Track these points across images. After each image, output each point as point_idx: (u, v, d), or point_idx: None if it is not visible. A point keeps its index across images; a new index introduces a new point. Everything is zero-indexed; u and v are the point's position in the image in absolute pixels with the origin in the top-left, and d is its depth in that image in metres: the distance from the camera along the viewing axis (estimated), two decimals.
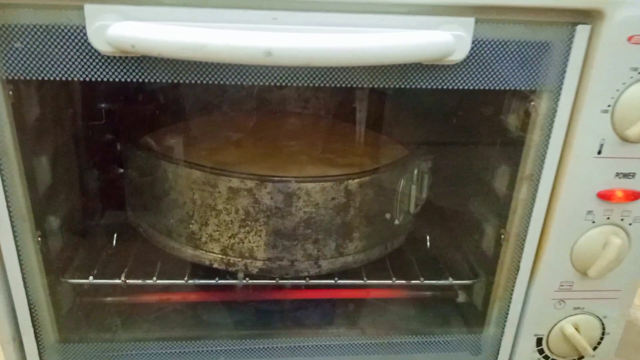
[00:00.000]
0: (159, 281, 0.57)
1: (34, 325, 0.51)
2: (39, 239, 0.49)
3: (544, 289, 0.53)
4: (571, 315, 0.54)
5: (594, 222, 0.50)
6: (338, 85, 0.43)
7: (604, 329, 0.56)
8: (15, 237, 0.47)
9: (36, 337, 0.51)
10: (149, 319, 0.59)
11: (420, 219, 0.64)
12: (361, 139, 0.73)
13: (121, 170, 0.60)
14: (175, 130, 0.69)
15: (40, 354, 0.52)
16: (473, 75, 0.44)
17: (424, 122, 0.65)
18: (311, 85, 0.43)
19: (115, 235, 0.62)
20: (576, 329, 0.55)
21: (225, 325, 0.59)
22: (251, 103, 0.76)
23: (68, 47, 0.40)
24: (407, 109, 0.68)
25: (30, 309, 0.50)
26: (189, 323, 0.59)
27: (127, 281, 0.56)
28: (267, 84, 0.42)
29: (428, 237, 0.66)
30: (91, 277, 0.56)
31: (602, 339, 0.56)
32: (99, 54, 0.40)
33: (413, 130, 0.67)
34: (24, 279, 0.48)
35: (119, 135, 0.60)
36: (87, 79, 0.41)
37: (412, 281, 0.60)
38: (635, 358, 0.68)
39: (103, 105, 0.62)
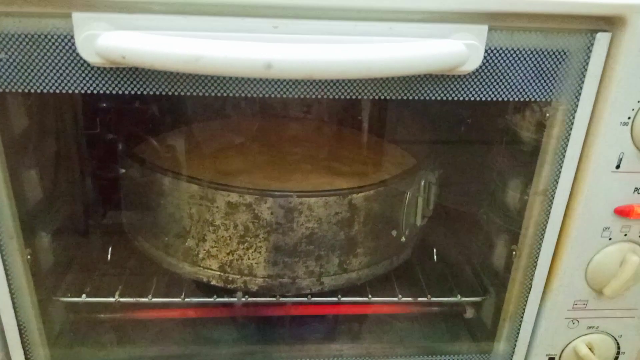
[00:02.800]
0: (154, 299, 0.54)
1: (23, 346, 0.49)
2: (29, 256, 0.47)
3: (557, 308, 0.51)
4: (585, 335, 0.52)
5: (610, 239, 0.48)
6: (342, 97, 0.41)
7: (619, 348, 0.54)
8: (2, 255, 0.45)
9: (26, 357, 0.49)
10: (146, 336, 0.57)
11: (427, 232, 0.61)
12: (366, 146, 0.71)
13: (116, 183, 0.58)
14: (174, 138, 0.66)
15: None
16: (486, 86, 0.42)
17: (432, 130, 0.63)
18: (313, 97, 0.41)
19: (110, 250, 0.60)
20: (590, 349, 0.53)
21: (224, 343, 0.57)
22: (252, 108, 0.74)
23: (55, 57, 0.38)
24: (413, 114, 0.66)
25: (19, 329, 0.48)
26: (187, 341, 0.57)
27: (121, 300, 0.54)
28: (266, 96, 0.40)
29: (435, 251, 0.64)
30: (84, 295, 0.54)
31: (616, 358, 0.54)
32: (89, 65, 0.38)
33: (420, 136, 0.65)
34: (12, 298, 0.46)
35: (114, 145, 0.58)
36: (77, 91, 0.39)
37: (419, 298, 0.58)
38: None
39: (97, 114, 0.60)
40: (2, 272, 0.45)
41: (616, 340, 0.53)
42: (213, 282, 0.54)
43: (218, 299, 0.55)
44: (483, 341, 0.57)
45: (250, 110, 0.74)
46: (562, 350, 0.53)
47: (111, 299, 0.54)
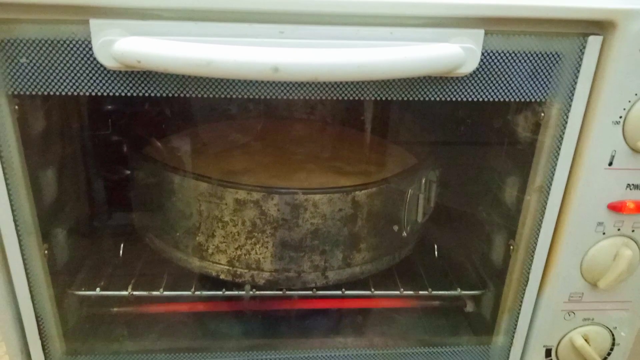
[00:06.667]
0: (165, 292, 0.56)
1: (41, 338, 0.51)
2: (46, 252, 0.49)
3: (554, 300, 0.52)
4: (581, 326, 0.54)
5: (604, 233, 0.49)
6: (346, 98, 0.43)
7: (614, 340, 0.55)
8: (22, 250, 0.47)
9: (44, 349, 0.51)
10: (156, 329, 0.59)
11: (428, 228, 0.63)
12: (369, 146, 0.72)
13: (128, 181, 0.60)
14: (182, 137, 0.68)
15: None
16: (482, 87, 0.44)
17: (432, 130, 0.64)
18: (318, 98, 0.43)
19: (122, 246, 0.62)
20: (586, 340, 0.54)
21: (233, 336, 0.59)
22: (258, 109, 0.76)
23: (73, 62, 0.40)
24: (415, 115, 0.68)
25: (37, 322, 0.50)
26: (196, 334, 0.59)
27: (134, 293, 0.56)
28: (274, 97, 0.42)
29: (436, 246, 0.65)
30: (98, 289, 0.56)
31: (612, 350, 0.56)
32: (105, 68, 0.40)
33: (420, 137, 0.67)
34: (31, 292, 0.48)
35: (125, 145, 0.60)
36: (93, 93, 0.41)
37: (420, 292, 0.59)
38: None
39: (109, 115, 0.62)
40: (22, 267, 0.47)
41: (611, 332, 0.55)
42: (222, 276, 0.56)
43: (227, 292, 0.57)
44: (483, 334, 0.59)
45: (256, 111, 0.76)
46: (559, 342, 0.55)
47: (124, 293, 0.56)
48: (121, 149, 0.60)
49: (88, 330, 0.58)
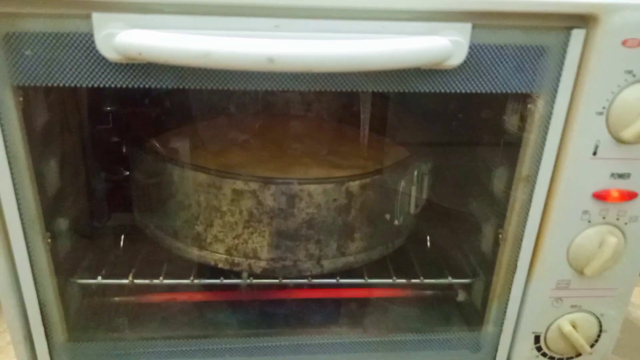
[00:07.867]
0: (165, 281, 0.58)
1: (44, 325, 0.52)
2: (49, 240, 0.50)
3: (541, 288, 0.54)
4: (568, 313, 0.55)
5: (589, 221, 0.50)
6: (339, 89, 0.44)
7: (601, 326, 0.56)
8: (25, 238, 0.48)
9: (46, 336, 0.52)
10: (156, 318, 0.60)
11: (421, 219, 0.65)
12: (364, 142, 0.74)
13: (128, 173, 0.61)
14: (181, 133, 0.70)
15: (50, 352, 0.53)
16: (470, 79, 0.45)
17: (425, 124, 0.66)
18: (313, 90, 0.44)
19: (122, 236, 0.64)
20: (573, 326, 0.55)
21: (230, 324, 0.60)
22: (255, 106, 0.77)
23: (76, 54, 0.42)
24: (408, 111, 0.69)
25: (40, 309, 0.51)
26: (195, 322, 0.60)
27: (135, 281, 0.57)
28: (269, 89, 0.44)
29: (428, 237, 0.67)
30: (100, 278, 0.58)
31: (599, 336, 0.57)
32: (107, 61, 0.42)
33: (414, 132, 0.68)
34: (34, 279, 0.50)
35: (126, 138, 0.62)
36: (95, 85, 0.43)
37: (412, 280, 0.61)
38: (635, 357, 0.69)
39: (110, 109, 0.64)
40: (25, 255, 0.48)
41: (598, 318, 0.56)
42: (220, 265, 0.57)
43: (225, 281, 0.59)
44: (474, 322, 0.60)
45: (253, 108, 0.78)
46: (547, 329, 0.56)
47: (125, 281, 0.57)
48: (122, 143, 0.62)
49: (90, 318, 0.59)
